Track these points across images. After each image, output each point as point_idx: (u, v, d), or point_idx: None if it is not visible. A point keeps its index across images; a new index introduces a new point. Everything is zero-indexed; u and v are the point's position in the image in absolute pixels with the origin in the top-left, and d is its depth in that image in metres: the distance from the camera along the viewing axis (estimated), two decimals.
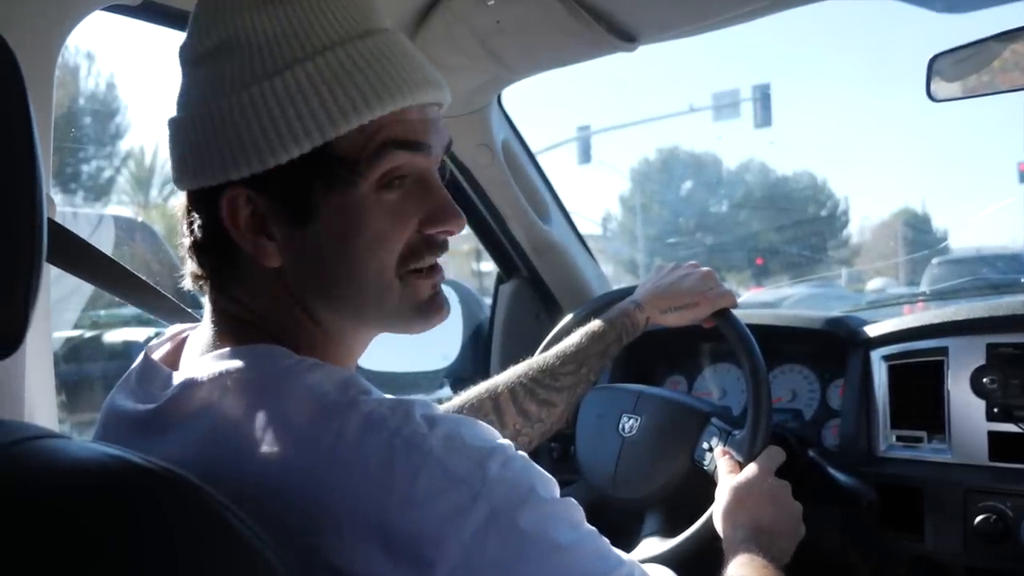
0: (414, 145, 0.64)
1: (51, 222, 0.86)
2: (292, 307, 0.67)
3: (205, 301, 0.70)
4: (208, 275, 0.68)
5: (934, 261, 7.10)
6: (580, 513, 0.62)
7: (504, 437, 0.61)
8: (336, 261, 0.65)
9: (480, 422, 0.61)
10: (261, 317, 0.67)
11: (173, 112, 0.68)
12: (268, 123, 0.61)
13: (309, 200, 0.63)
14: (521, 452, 0.61)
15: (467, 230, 1.73)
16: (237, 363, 0.62)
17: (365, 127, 0.62)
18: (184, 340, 0.72)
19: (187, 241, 0.67)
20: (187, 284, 0.70)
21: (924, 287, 6.19)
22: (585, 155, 17.08)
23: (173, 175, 0.67)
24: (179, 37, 0.68)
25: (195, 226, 0.66)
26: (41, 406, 0.99)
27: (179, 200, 0.69)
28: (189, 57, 0.66)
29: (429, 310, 0.69)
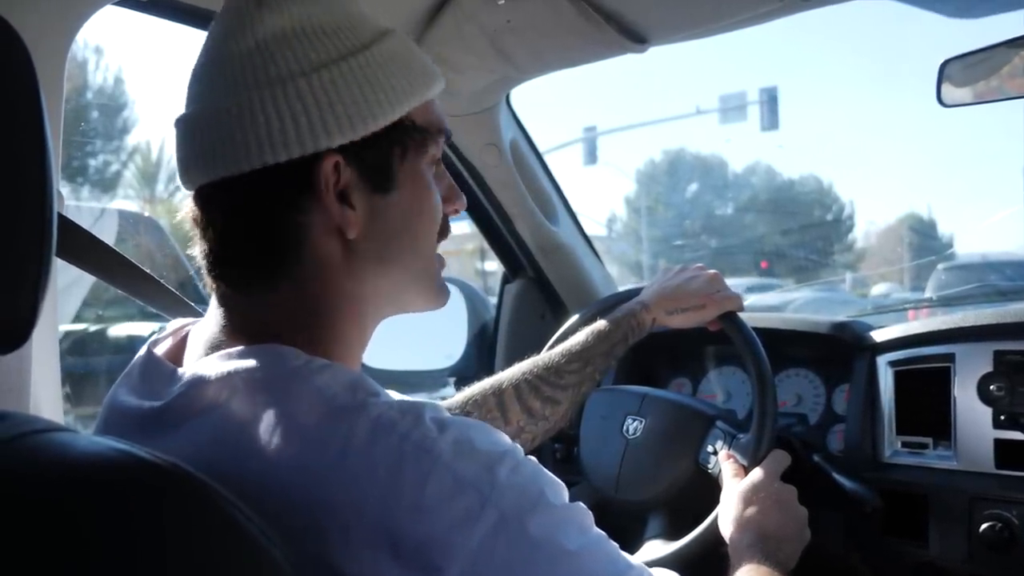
0: (448, 135, 0.72)
1: (59, 216, 0.86)
2: (336, 291, 0.66)
3: (212, 297, 0.68)
4: (240, 270, 0.65)
5: (940, 267, 7.05)
6: (589, 518, 0.61)
7: (507, 434, 0.61)
8: (407, 229, 0.69)
9: (490, 427, 0.61)
10: (278, 313, 0.65)
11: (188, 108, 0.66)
12: (367, 89, 0.65)
13: (391, 167, 0.67)
14: (531, 457, 0.60)
15: (472, 229, 1.73)
16: (247, 363, 0.61)
17: (428, 103, 0.69)
18: (186, 335, 0.71)
19: (210, 242, 0.65)
20: (206, 285, 0.68)
21: (930, 293, 6.16)
22: (591, 156, 17.05)
23: (229, 160, 0.63)
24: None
25: (241, 221, 0.64)
26: (46, 399, 0.99)
27: (189, 205, 0.66)
28: (235, 46, 0.64)
29: (444, 289, 0.75)
